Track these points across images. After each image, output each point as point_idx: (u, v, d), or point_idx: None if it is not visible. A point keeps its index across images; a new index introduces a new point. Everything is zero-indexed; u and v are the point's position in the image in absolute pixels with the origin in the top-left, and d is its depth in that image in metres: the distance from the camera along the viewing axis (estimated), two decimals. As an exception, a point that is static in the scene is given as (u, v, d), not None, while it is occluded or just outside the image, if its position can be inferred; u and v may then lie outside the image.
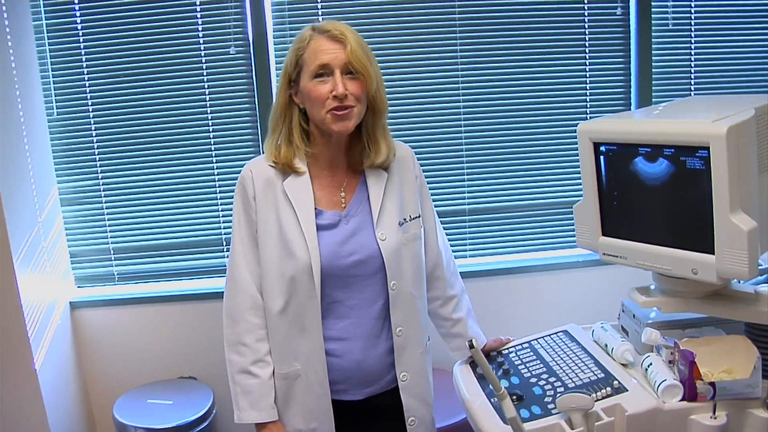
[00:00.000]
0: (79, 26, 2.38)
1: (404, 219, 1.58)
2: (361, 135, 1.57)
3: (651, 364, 1.46)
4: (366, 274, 1.54)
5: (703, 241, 1.35)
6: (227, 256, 2.55)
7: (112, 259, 2.54)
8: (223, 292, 2.56)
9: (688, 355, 1.35)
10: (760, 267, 1.35)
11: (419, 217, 1.62)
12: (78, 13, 2.37)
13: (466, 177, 2.63)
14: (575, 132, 2.58)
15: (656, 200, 1.46)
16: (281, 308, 1.52)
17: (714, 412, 1.33)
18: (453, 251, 1.80)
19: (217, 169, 2.51)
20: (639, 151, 1.47)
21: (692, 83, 2.66)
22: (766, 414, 1.34)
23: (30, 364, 2.03)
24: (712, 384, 1.34)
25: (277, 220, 1.52)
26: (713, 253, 1.33)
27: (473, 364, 1.75)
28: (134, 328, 2.52)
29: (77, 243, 2.52)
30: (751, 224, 1.27)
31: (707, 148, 1.29)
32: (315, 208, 1.52)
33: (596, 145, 1.56)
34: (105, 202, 2.50)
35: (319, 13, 2.44)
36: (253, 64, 2.44)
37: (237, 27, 2.42)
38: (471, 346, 1.29)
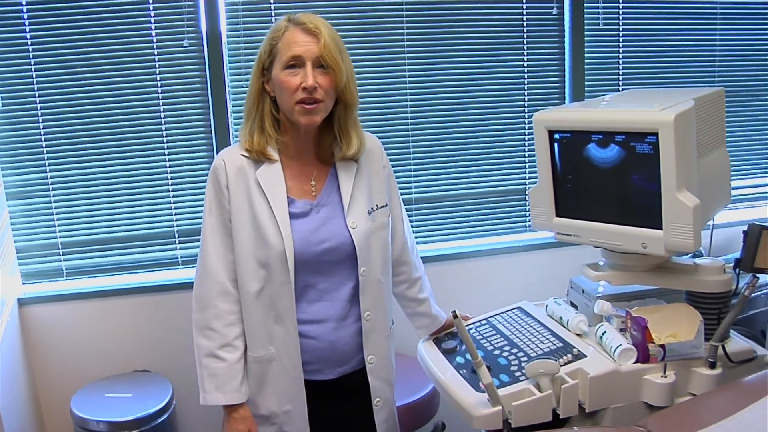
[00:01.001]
0: (25, 13, 2.29)
1: (372, 208, 1.64)
2: (330, 127, 1.61)
3: (605, 332, 1.59)
4: (337, 261, 1.59)
5: (652, 218, 1.50)
6: (179, 248, 2.56)
7: (61, 253, 2.47)
8: (174, 284, 2.54)
9: (641, 321, 1.49)
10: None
11: (386, 206, 1.69)
12: (23, 0, 2.28)
13: (412, 167, 2.72)
14: (515, 123, 2.78)
15: (607, 182, 1.60)
16: (257, 291, 1.56)
17: (664, 372, 1.48)
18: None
19: (169, 161, 2.48)
20: (591, 137, 1.60)
21: (620, 78, 2.86)
22: (708, 371, 1.50)
23: (-18, 364, 1.98)
24: (663, 346, 1.49)
25: (251, 209, 1.55)
26: (661, 228, 1.48)
27: (437, 340, 1.85)
28: (85, 324, 2.47)
29: (24, 238, 2.44)
30: (695, 201, 1.43)
31: (656, 134, 1.44)
32: (287, 197, 1.57)
33: (551, 133, 1.69)
34: (53, 196, 2.42)
35: (272, 7, 2.47)
36: (206, 57, 2.43)
37: (190, 19, 2.40)
38: (455, 316, 1.38)
